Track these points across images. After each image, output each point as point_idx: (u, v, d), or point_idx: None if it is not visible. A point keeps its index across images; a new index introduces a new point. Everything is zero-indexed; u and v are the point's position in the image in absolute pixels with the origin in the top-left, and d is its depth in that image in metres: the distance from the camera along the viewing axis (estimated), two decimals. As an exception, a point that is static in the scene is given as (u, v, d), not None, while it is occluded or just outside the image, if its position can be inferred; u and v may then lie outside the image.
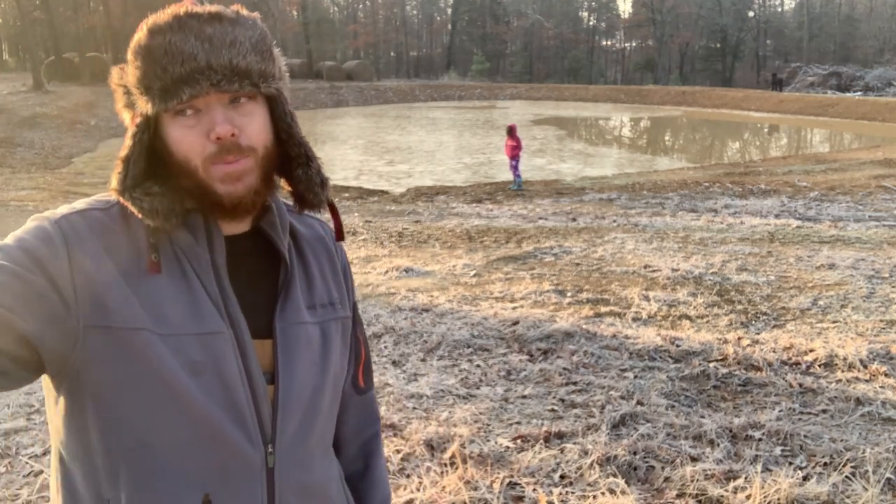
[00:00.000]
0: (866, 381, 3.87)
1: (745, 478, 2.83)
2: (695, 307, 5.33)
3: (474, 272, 6.65)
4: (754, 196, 12.00)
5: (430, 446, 3.11)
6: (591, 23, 79.20)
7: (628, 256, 7.19)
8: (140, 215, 0.89)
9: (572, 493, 2.79)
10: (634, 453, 3.04)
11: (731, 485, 2.78)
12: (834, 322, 4.94)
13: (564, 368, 4.07)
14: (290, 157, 0.99)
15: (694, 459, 3.02)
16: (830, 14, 68.24)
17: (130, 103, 0.92)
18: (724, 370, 4.02)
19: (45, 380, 0.91)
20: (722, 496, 2.73)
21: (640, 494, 2.78)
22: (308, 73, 50.79)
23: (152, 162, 0.92)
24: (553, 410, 3.56)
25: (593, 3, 78.15)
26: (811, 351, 4.24)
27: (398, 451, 3.07)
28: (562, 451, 3.09)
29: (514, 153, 13.30)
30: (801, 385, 3.82)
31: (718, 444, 3.12)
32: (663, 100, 44.80)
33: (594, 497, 2.73)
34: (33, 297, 0.81)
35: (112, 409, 0.88)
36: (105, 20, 43.03)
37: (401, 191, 13.92)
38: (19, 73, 44.85)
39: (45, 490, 2.79)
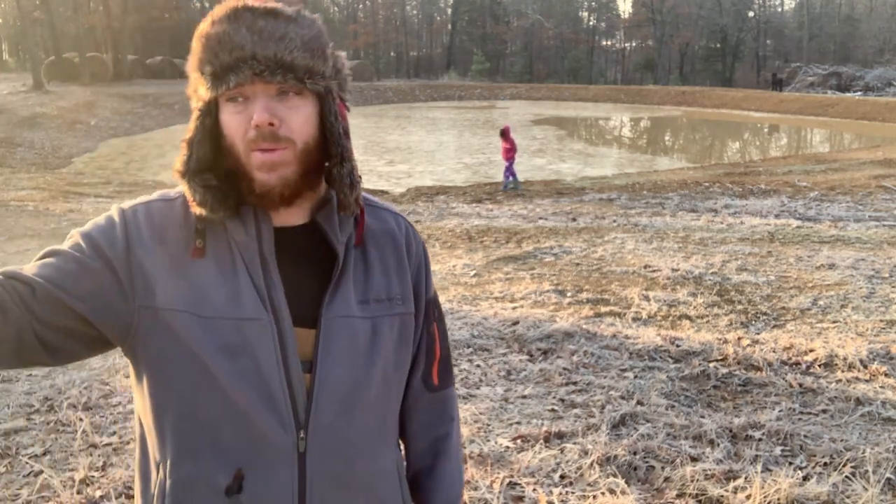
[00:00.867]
0: (866, 381, 3.87)
1: (745, 478, 2.83)
2: (695, 307, 5.33)
3: (474, 272, 6.65)
4: (754, 196, 11.99)
5: (430, 446, 3.11)
6: (591, 23, 79.20)
7: (628, 256, 7.19)
8: (192, 202, 0.96)
9: (572, 493, 2.79)
10: (634, 453, 3.04)
11: (731, 485, 2.79)
12: (834, 322, 4.94)
13: (564, 368, 4.07)
14: (329, 156, 1.01)
15: (694, 459, 3.02)
16: (830, 14, 68.24)
17: (195, 88, 0.97)
18: (724, 370, 4.02)
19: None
20: (722, 496, 2.73)
21: (640, 494, 2.78)
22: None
23: (216, 150, 0.97)
24: (553, 410, 3.56)
25: (593, 3, 78.15)
26: (811, 351, 4.24)
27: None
28: (562, 451, 3.09)
29: (510, 155, 13.14)
30: (801, 385, 3.82)
31: (718, 444, 3.12)
32: (663, 100, 44.80)
33: (594, 497, 2.73)
34: (88, 278, 0.91)
35: (161, 381, 0.96)
36: (105, 20, 43.05)
37: (401, 191, 13.92)
38: (19, 73, 44.88)
39: (45, 490, 2.79)
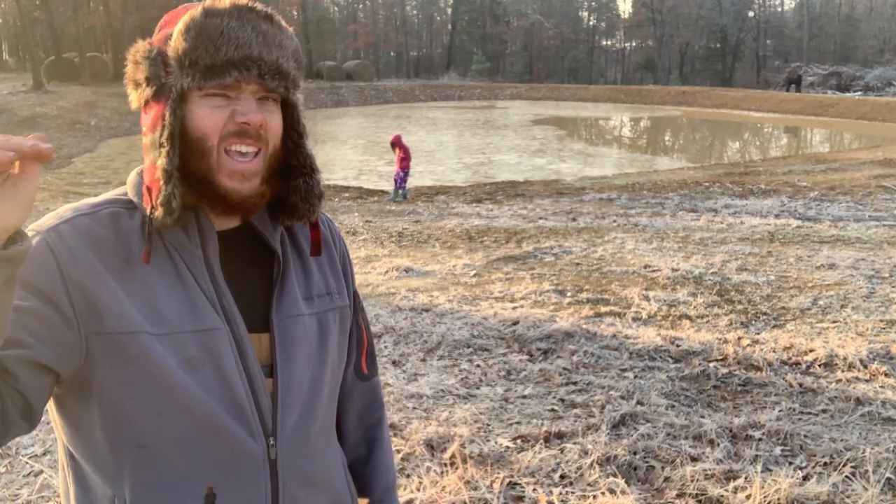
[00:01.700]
0: (866, 380, 3.87)
1: (745, 478, 2.83)
2: (695, 307, 5.33)
3: (474, 272, 6.65)
4: (754, 196, 12.00)
5: (430, 446, 3.12)
6: (591, 23, 79.18)
7: (628, 256, 7.19)
8: (157, 206, 0.89)
9: (572, 493, 2.79)
10: (634, 453, 3.04)
11: (731, 485, 2.79)
12: (834, 322, 4.94)
13: (564, 368, 4.07)
14: (291, 166, 1.00)
15: (694, 459, 3.02)
16: (830, 14, 68.24)
17: (155, 77, 0.91)
18: (724, 370, 4.02)
19: None
20: (722, 496, 2.73)
21: (640, 494, 2.78)
22: (308, 73, 50.59)
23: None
24: (553, 410, 3.56)
25: (593, 3, 78.12)
26: (811, 351, 4.24)
27: (398, 451, 3.07)
28: (562, 451, 3.09)
29: (404, 164, 12.48)
30: (801, 385, 3.83)
31: (718, 444, 3.12)
32: (663, 100, 44.78)
33: (594, 497, 2.73)
34: (37, 323, 0.84)
35: (116, 409, 0.90)
36: (105, 20, 43.01)
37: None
38: (19, 73, 44.85)
39: (45, 490, 2.79)
